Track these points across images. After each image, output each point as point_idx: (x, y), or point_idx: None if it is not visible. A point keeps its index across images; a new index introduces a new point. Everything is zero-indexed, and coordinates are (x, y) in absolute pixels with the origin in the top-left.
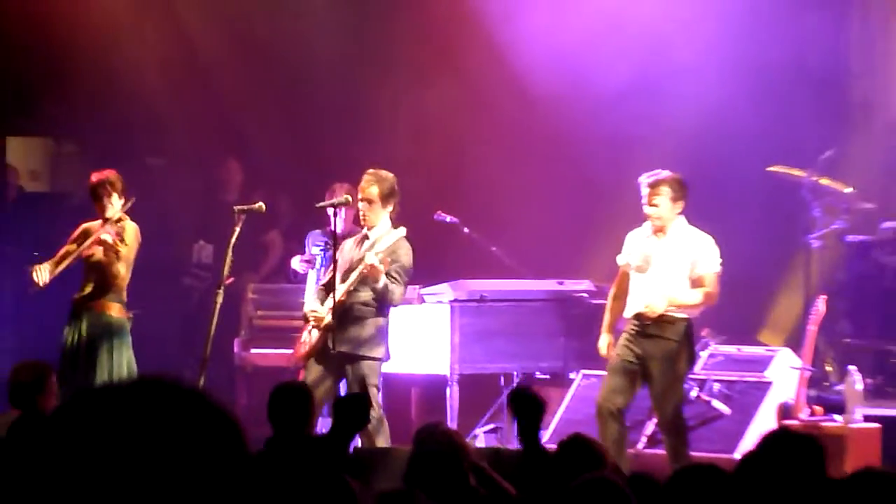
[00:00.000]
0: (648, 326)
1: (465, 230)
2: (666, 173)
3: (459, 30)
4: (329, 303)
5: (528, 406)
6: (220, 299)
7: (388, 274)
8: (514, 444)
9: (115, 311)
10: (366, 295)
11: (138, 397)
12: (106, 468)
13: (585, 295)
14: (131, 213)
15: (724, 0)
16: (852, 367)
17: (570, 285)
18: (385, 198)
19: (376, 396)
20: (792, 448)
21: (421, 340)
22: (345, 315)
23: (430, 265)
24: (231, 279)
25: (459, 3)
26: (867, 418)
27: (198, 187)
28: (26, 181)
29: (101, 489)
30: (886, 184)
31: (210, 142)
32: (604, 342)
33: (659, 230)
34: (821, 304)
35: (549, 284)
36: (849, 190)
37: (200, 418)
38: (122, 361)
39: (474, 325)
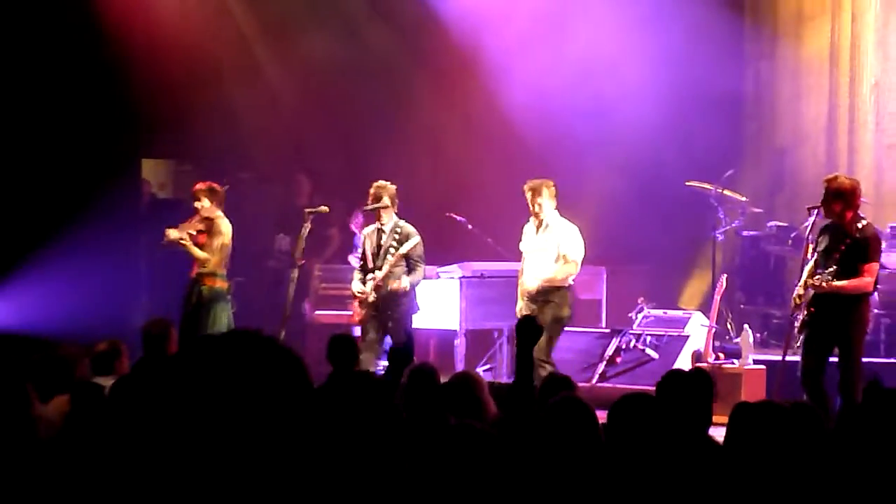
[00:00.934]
0: (535, 297)
1: (469, 226)
2: (541, 181)
3: (464, 74)
4: (371, 283)
5: (529, 330)
6: (295, 275)
7: (409, 265)
8: (504, 379)
9: (215, 283)
10: (397, 272)
11: (231, 344)
12: (209, 393)
13: None
14: (227, 212)
15: (658, 53)
16: (746, 325)
17: None
18: (393, 201)
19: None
20: (684, 382)
21: (437, 305)
22: (384, 288)
23: (443, 251)
24: (303, 261)
25: (464, 53)
26: (756, 362)
27: (278, 194)
28: (156, 190)
29: (207, 408)
30: (771, 195)
31: (286, 161)
32: (518, 306)
33: (539, 223)
34: (723, 281)
35: None
36: (744, 199)
37: (274, 357)
38: (220, 320)
39: (476, 294)
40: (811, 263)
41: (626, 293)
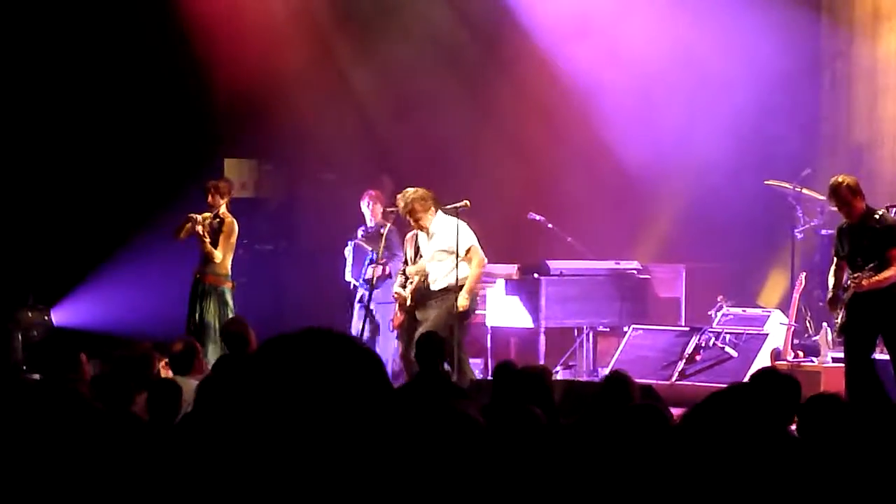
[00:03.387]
0: (425, 294)
1: (550, 225)
2: (411, 194)
3: (544, 75)
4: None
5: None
6: (375, 275)
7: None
8: (584, 378)
9: (223, 282)
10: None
11: (307, 343)
12: (286, 392)
13: (634, 271)
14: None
15: (737, 53)
16: (824, 324)
17: (624, 264)
18: (424, 206)
19: None
20: (776, 382)
21: (519, 304)
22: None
23: (524, 250)
24: (384, 261)
25: (544, 54)
26: (835, 360)
27: (359, 194)
28: (238, 190)
29: (285, 407)
30: None
31: (367, 162)
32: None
33: (425, 231)
34: (802, 279)
35: (609, 264)
36: (822, 198)
37: (350, 355)
38: (221, 314)
39: (556, 293)
40: (833, 268)
41: (706, 291)
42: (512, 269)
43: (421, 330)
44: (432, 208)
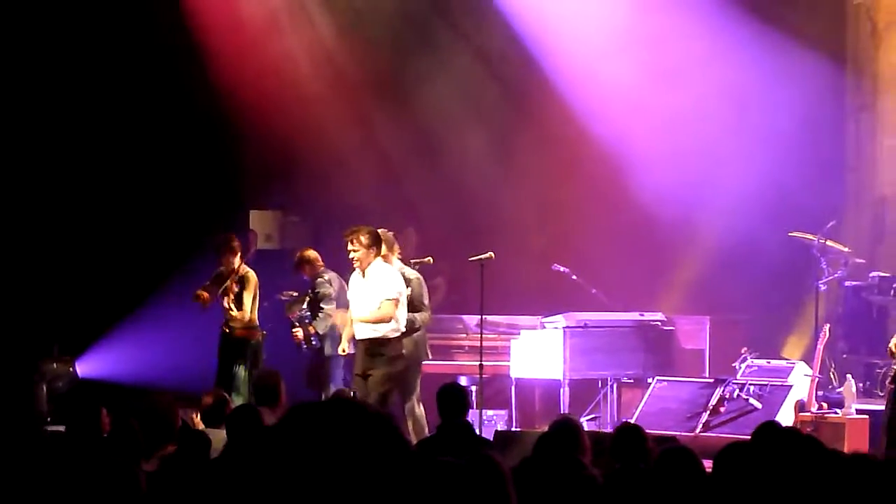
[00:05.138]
0: (368, 347)
1: (574, 277)
2: (362, 230)
3: (569, 125)
4: None
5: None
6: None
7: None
8: (608, 429)
9: (254, 335)
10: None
11: (329, 412)
12: (311, 455)
13: (658, 323)
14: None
15: (761, 105)
16: (849, 375)
17: (648, 316)
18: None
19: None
20: (780, 436)
21: (542, 355)
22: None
23: (548, 301)
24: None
25: (568, 102)
26: (859, 412)
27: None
28: (262, 242)
29: (302, 480)
30: (873, 245)
31: (393, 215)
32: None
33: (361, 270)
34: (826, 331)
35: (633, 315)
36: (847, 249)
37: (365, 424)
38: (250, 366)
39: (580, 344)
40: None
41: (730, 343)
42: (536, 321)
43: (370, 388)
44: (374, 251)
